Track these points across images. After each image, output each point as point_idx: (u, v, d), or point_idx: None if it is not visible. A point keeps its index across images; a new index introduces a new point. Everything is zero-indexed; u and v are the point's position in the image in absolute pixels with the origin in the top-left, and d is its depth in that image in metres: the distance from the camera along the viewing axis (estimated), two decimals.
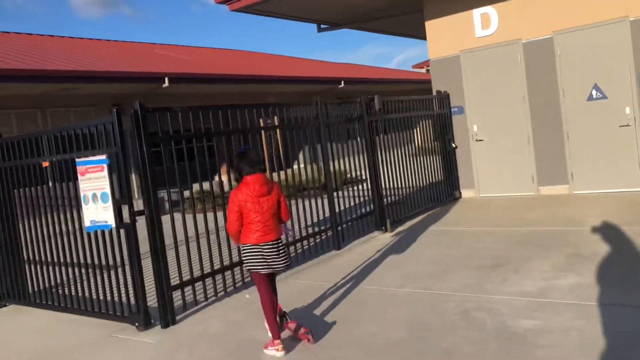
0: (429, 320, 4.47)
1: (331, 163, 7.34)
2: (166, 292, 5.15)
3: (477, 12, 9.59)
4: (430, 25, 10.20)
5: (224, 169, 5.41)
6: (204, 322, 5.13)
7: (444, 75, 10.09)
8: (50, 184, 5.95)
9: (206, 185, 6.29)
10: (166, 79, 17.02)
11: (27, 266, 6.55)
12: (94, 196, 5.29)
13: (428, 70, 47.65)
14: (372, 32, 13.63)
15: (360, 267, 6.33)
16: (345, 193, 8.42)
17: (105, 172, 5.17)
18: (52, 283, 6.23)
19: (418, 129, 9.51)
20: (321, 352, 4.16)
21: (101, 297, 5.55)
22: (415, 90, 28.66)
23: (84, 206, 5.40)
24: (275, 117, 6.98)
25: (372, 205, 8.10)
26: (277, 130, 7.27)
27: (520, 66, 9.31)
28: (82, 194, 5.39)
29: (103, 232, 5.36)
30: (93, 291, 5.66)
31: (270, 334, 4.30)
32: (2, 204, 6.50)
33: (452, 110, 10.04)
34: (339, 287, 5.66)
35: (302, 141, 7.24)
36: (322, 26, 11.99)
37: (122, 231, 5.15)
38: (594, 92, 8.70)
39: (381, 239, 7.66)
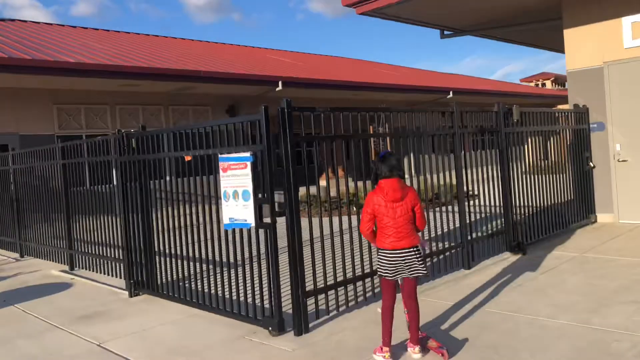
0: None
1: (449, 174, 6.90)
2: (301, 298, 4.99)
3: (627, 20, 8.75)
4: (570, 34, 9.45)
5: (323, 176, 5.21)
6: (338, 334, 4.90)
7: (583, 88, 9.30)
8: (191, 178, 6.02)
9: (343, 188, 6.06)
10: (280, 83, 17.33)
11: (157, 258, 6.69)
12: (235, 193, 5.25)
13: (538, 85, 45.16)
14: (496, 39, 12.96)
15: (498, 291, 5.85)
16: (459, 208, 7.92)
17: (249, 170, 5.11)
18: (181, 276, 6.30)
19: (549, 144, 8.80)
20: None
21: (233, 297, 5.50)
22: (528, 103, 27.26)
23: (223, 203, 5.38)
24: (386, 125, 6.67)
25: (501, 224, 7.56)
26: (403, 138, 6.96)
27: None
28: (222, 190, 5.38)
29: (241, 231, 5.32)
30: (226, 290, 5.62)
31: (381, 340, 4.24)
32: (139, 195, 6.69)
33: (591, 126, 9.23)
34: (477, 310, 5.24)
35: (434, 150, 6.86)
36: (446, 32, 11.54)
37: (260, 231, 5.08)
38: None
39: (513, 262, 7.10)
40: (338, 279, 5.48)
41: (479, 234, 7.45)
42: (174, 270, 6.37)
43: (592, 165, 9.19)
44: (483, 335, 4.61)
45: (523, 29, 11.25)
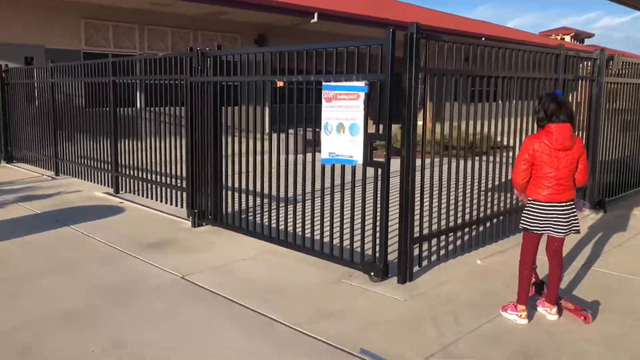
0: None
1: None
2: (409, 244, 4.60)
3: None
4: None
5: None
6: (444, 285, 4.54)
7: None
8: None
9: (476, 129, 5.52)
10: (315, 15, 16.41)
11: (227, 188, 6.25)
12: (340, 126, 4.76)
13: (562, 38, 43.61)
14: None
15: (598, 251, 5.49)
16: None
17: (361, 101, 4.59)
18: (251, 209, 5.89)
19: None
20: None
21: (324, 238, 5.10)
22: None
23: (323, 135, 4.89)
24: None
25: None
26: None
27: None
28: (324, 122, 4.87)
29: (343, 167, 4.86)
30: (317, 229, 5.20)
31: (517, 297, 3.91)
32: (212, 121, 6.17)
33: None
34: (588, 271, 4.89)
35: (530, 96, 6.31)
36: None
37: (369, 170, 4.62)
38: None
39: (597, 219, 6.73)
40: (442, 227, 5.06)
41: None
42: (244, 202, 5.95)
43: None
44: (611, 298, 4.26)
45: None
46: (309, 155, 5.29)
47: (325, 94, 4.85)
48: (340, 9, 18.20)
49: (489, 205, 5.60)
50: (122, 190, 8.25)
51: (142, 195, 7.79)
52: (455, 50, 4.82)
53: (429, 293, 4.39)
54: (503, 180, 5.71)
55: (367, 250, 4.75)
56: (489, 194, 5.59)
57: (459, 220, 5.24)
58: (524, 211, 3.89)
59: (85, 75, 8.67)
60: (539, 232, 3.83)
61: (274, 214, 5.68)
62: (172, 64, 6.64)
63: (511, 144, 5.73)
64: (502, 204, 5.77)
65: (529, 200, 3.85)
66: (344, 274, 4.79)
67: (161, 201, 7.36)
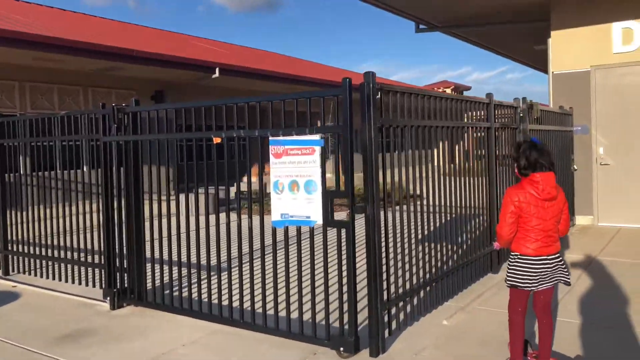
0: None
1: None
2: (380, 311, 4.14)
3: (617, 26, 8.85)
4: (557, 36, 9.42)
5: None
6: (422, 354, 4.12)
7: (568, 90, 9.29)
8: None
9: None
10: (217, 70, 16.02)
11: (154, 260, 5.45)
12: (293, 184, 4.28)
13: (444, 90, 46.94)
14: (468, 42, 12.86)
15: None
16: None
17: (317, 156, 4.17)
18: (195, 283, 5.15)
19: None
20: None
21: (282, 313, 4.49)
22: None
23: (273, 195, 4.37)
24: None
25: None
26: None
27: None
28: (273, 180, 4.37)
29: (299, 229, 4.34)
30: (268, 302, 4.56)
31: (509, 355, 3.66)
32: (131, 184, 5.41)
33: (575, 129, 9.24)
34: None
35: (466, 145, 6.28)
36: (421, 26, 11.13)
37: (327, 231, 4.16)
38: None
39: None
40: (407, 287, 4.66)
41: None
42: (175, 274, 5.20)
43: (574, 168, 9.20)
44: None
45: (501, 31, 11.15)
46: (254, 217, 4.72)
47: (273, 149, 4.37)
48: (243, 64, 18.01)
49: (445, 259, 5.34)
50: (13, 271, 7.02)
51: (43, 276, 6.65)
52: (405, 102, 4.60)
53: None
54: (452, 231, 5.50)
55: (333, 322, 4.23)
56: (445, 246, 5.33)
57: (422, 279, 4.89)
58: (511, 267, 3.62)
59: None
60: (529, 288, 3.56)
61: (215, 286, 4.97)
62: (81, 122, 5.82)
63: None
64: (455, 257, 5.54)
65: (516, 256, 3.59)
66: (307, 352, 4.20)
67: (66, 281, 6.31)
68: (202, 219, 5.25)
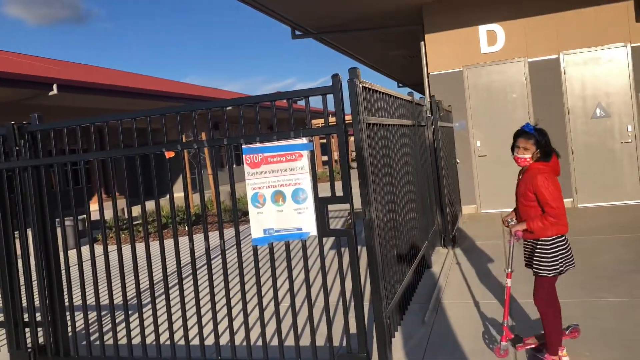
0: None
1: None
2: (385, 326, 3.84)
3: (483, 29, 9.66)
4: (431, 39, 9.99)
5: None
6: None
7: (445, 89, 9.91)
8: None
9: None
10: (55, 86, 14.27)
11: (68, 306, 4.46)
12: (277, 194, 3.80)
13: None
14: (340, 51, 13.05)
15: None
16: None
17: (305, 161, 3.75)
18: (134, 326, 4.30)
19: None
20: None
21: (273, 342, 3.92)
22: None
23: (252, 209, 3.84)
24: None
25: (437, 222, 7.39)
26: None
27: (525, 84, 9.56)
28: (251, 193, 3.83)
29: (271, 246, 3.85)
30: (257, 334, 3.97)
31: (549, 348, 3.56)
32: (39, 219, 4.37)
33: (455, 125, 9.87)
34: None
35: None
36: (297, 32, 11.02)
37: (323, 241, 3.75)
38: (597, 111, 9.27)
39: (455, 253, 7.00)
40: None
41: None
42: (109, 320, 4.30)
43: (457, 161, 9.82)
44: None
45: (379, 32, 11.49)
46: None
47: (248, 158, 3.84)
48: (83, 79, 16.26)
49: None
50: None
51: None
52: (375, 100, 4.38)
53: None
54: None
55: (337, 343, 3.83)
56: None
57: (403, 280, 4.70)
58: (548, 255, 3.47)
59: None
60: (571, 267, 3.55)
61: (165, 324, 4.21)
62: None
63: None
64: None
65: (554, 240, 3.47)
66: None
67: None
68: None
